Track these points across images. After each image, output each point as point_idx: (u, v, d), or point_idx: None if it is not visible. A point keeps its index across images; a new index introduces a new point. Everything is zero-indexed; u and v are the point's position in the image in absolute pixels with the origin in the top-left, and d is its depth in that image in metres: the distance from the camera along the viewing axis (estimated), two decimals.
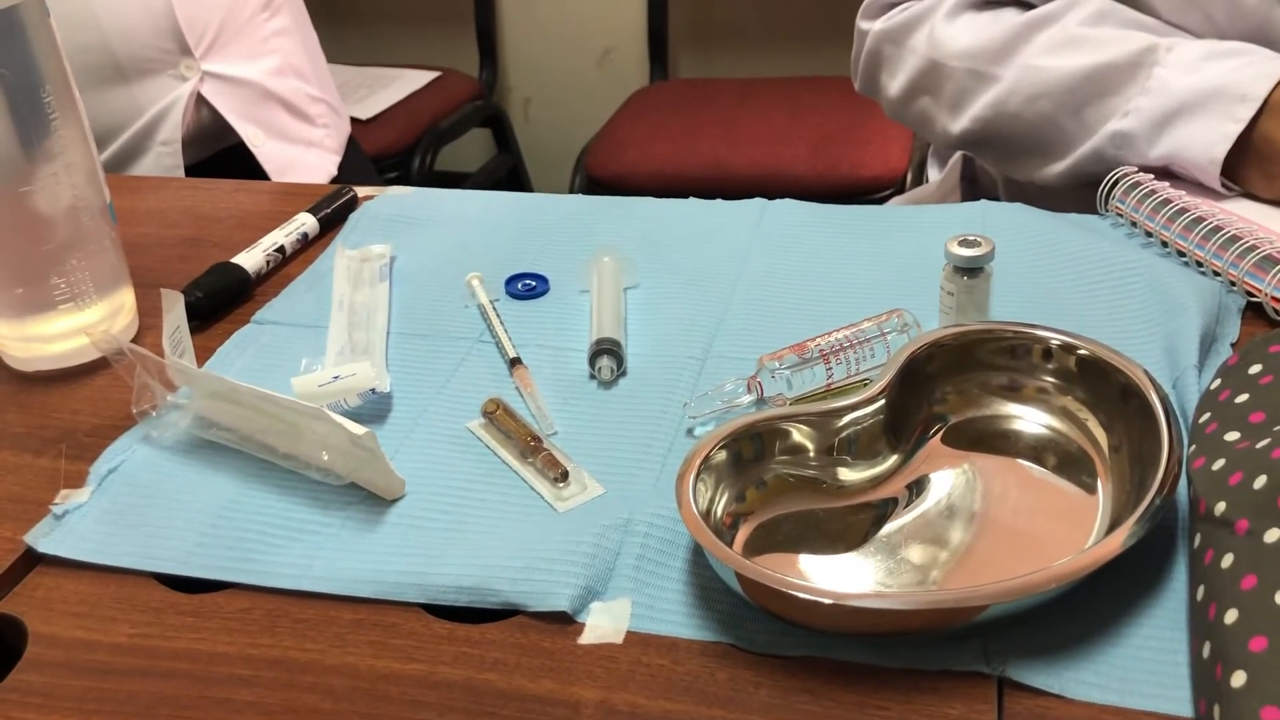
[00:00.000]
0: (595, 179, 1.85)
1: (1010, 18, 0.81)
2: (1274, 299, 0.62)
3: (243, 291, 0.76)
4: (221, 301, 0.74)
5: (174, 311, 0.64)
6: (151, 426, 0.62)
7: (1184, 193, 0.71)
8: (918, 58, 0.86)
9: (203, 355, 0.69)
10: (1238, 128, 0.70)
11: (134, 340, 0.72)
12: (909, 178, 1.68)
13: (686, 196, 0.83)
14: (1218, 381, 0.53)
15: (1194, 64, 0.73)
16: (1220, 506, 0.44)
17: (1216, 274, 0.66)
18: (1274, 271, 0.63)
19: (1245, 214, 0.70)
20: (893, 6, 0.89)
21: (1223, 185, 0.72)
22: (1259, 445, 0.45)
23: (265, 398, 0.58)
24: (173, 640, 0.50)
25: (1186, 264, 0.68)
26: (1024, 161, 0.84)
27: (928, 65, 0.86)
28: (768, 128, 1.84)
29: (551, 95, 2.44)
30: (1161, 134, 0.73)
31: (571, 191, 1.92)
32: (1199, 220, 0.68)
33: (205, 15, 1.17)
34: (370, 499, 0.56)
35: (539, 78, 2.43)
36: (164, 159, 1.17)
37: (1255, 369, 0.51)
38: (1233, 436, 0.48)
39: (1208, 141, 0.71)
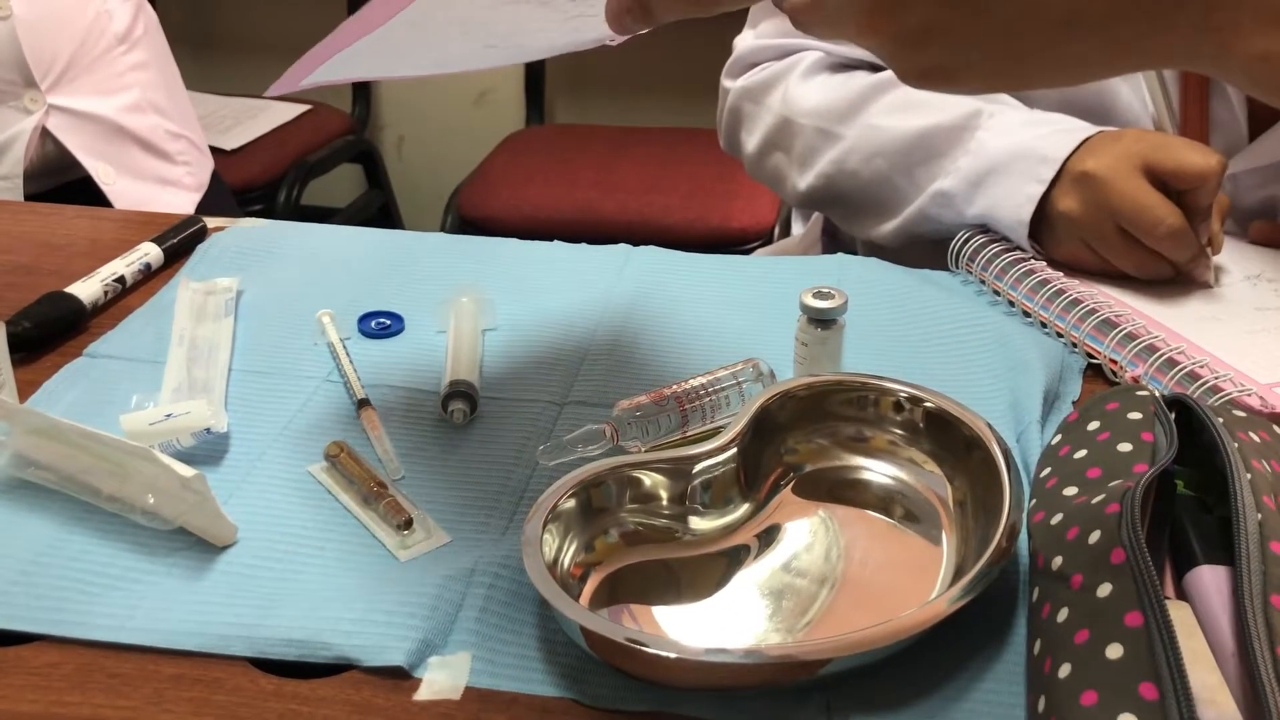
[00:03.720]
0: (467, 219, 1.83)
1: (860, 80, 0.84)
2: (1112, 361, 0.65)
3: (76, 323, 0.72)
4: (52, 333, 0.70)
5: None
6: None
7: (1031, 255, 0.73)
8: (772, 115, 0.89)
9: (27, 389, 0.65)
10: (1040, 188, 0.73)
11: None
12: (776, 231, 1.71)
13: (558, 240, 0.83)
14: (1058, 437, 0.54)
15: (1011, 128, 0.76)
16: (1057, 561, 0.45)
17: (1060, 335, 0.68)
18: (1112, 335, 0.65)
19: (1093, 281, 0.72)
20: (755, 66, 0.91)
21: (1031, 246, 0.75)
22: (1094, 500, 0.46)
23: (90, 436, 0.54)
24: None
25: (1031, 324, 0.70)
26: (863, 219, 0.86)
27: (781, 122, 0.88)
28: (641, 175, 1.86)
29: (426, 134, 2.42)
30: (976, 193, 0.76)
31: (442, 231, 1.90)
32: (1044, 282, 0.70)
33: (53, 47, 1.11)
34: (199, 545, 0.53)
35: (413, 116, 2.40)
36: (3, 194, 1.11)
37: (1093, 425, 0.53)
38: (1071, 491, 0.49)
39: (1015, 203, 0.74)
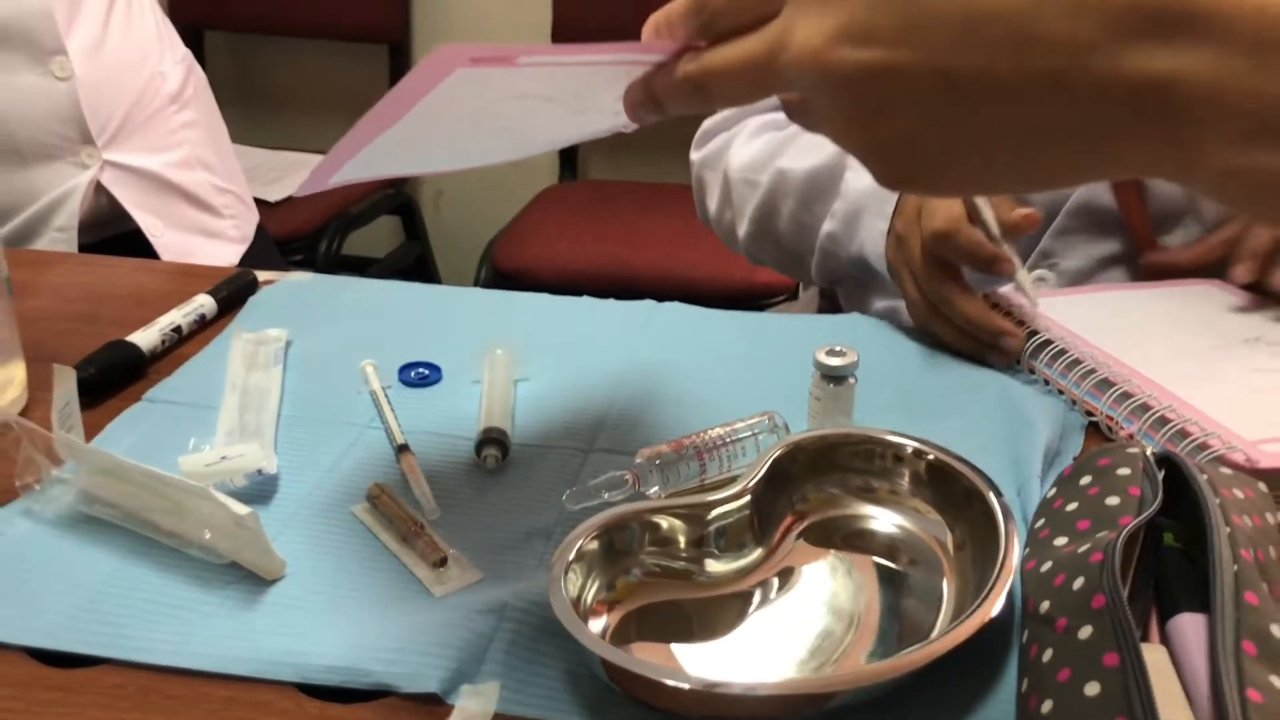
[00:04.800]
0: (501, 271, 1.89)
1: (783, 133, 0.91)
2: (1109, 418, 0.68)
3: (137, 369, 0.76)
4: (114, 378, 0.75)
5: (64, 386, 0.64)
6: (34, 500, 0.62)
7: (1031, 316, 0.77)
8: (719, 175, 0.97)
9: (92, 431, 0.69)
10: (885, 222, 0.78)
11: (22, 414, 0.72)
12: (801, 286, 1.75)
13: (588, 292, 0.88)
14: (1053, 490, 0.58)
15: None
16: (1045, 605, 0.49)
17: (1061, 393, 0.72)
18: (1109, 393, 0.68)
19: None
20: (715, 136, 0.98)
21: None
22: (1080, 549, 0.49)
23: (151, 475, 0.59)
24: (38, 716, 0.50)
25: (1035, 382, 0.74)
26: (793, 262, 0.93)
27: (724, 180, 0.96)
28: (668, 231, 1.91)
29: (463, 188, 2.49)
30: (853, 235, 0.83)
31: (476, 282, 1.95)
32: (1047, 343, 0.74)
33: (110, 105, 1.17)
34: (250, 578, 0.57)
35: (451, 171, 2.47)
36: (58, 244, 1.17)
37: (1085, 480, 0.56)
38: (1061, 541, 0.52)
39: (873, 239, 0.80)
